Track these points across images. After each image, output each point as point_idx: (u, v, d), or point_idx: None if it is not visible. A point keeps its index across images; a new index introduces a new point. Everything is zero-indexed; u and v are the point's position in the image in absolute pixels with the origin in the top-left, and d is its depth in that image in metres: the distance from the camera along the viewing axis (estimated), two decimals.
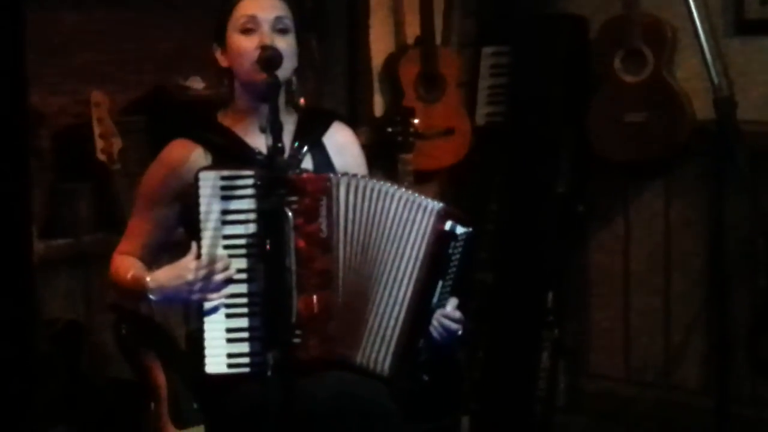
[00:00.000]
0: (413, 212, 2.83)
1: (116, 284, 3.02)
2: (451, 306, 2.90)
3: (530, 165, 4.73)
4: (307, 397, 2.72)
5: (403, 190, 2.86)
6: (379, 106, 4.73)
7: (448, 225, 2.81)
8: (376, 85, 4.72)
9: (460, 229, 2.82)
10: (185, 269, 2.80)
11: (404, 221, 2.83)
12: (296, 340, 2.75)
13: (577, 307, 4.82)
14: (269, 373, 2.70)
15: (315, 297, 2.81)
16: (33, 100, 3.72)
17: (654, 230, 4.65)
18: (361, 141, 3.18)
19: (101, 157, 3.79)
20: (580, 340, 4.84)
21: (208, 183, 2.79)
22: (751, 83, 4.36)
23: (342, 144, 3.09)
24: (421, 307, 2.84)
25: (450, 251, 2.82)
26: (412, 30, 4.68)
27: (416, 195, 2.85)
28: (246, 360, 2.78)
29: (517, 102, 4.77)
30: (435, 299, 2.85)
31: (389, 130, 4.34)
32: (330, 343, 2.82)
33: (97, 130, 3.79)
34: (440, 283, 2.84)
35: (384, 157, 4.28)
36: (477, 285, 4.69)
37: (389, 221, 2.84)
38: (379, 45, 4.71)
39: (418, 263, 2.82)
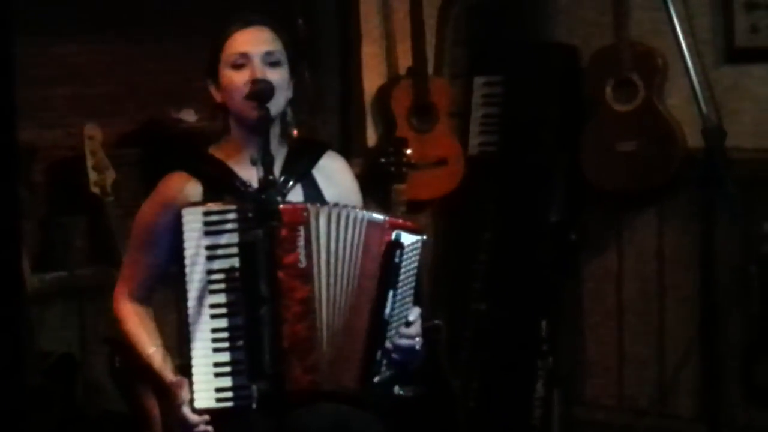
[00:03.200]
0: (367, 229, 2.88)
1: (127, 341, 3.03)
2: (413, 316, 2.91)
3: (523, 194, 4.73)
4: (300, 429, 2.72)
5: (364, 212, 2.90)
6: (371, 137, 4.74)
7: (393, 235, 2.86)
8: (369, 115, 4.73)
9: (407, 238, 2.87)
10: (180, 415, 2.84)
11: (363, 240, 2.87)
12: (280, 372, 2.74)
13: (570, 335, 4.82)
14: (254, 406, 2.72)
15: (297, 327, 2.81)
16: (26, 134, 3.74)
17: (646, 258, 4.65)
18: (354, 172, 3.19)
19: (95, 189, 3.80)
20: (574, 368, 4.83)
21: (190, 219, 2.81)
22: (741, 111, 4.37)
23: (333, 173, 3.09)
24: (374, 319, 2.86)
25: (397, 260, 2.85)
26: (404, 60, 4.69)
27: (368, 213, 2.89)
28: (230, 394, 2.79)
29: (509, 131, 4.77)
30: (387, 310, 2.86)
31: (382, 160, 4.34)
32: (314, 373, 2.83)
33: (90, 163, 3.80)
34: (391, 293, 2.85)
35: (377, 188, 4.28)
36: (472, 314, 4.69)
37: (354, 243, 2.87)
38: (371, 76, 4.72)
39: (373, 278, 2.86)
